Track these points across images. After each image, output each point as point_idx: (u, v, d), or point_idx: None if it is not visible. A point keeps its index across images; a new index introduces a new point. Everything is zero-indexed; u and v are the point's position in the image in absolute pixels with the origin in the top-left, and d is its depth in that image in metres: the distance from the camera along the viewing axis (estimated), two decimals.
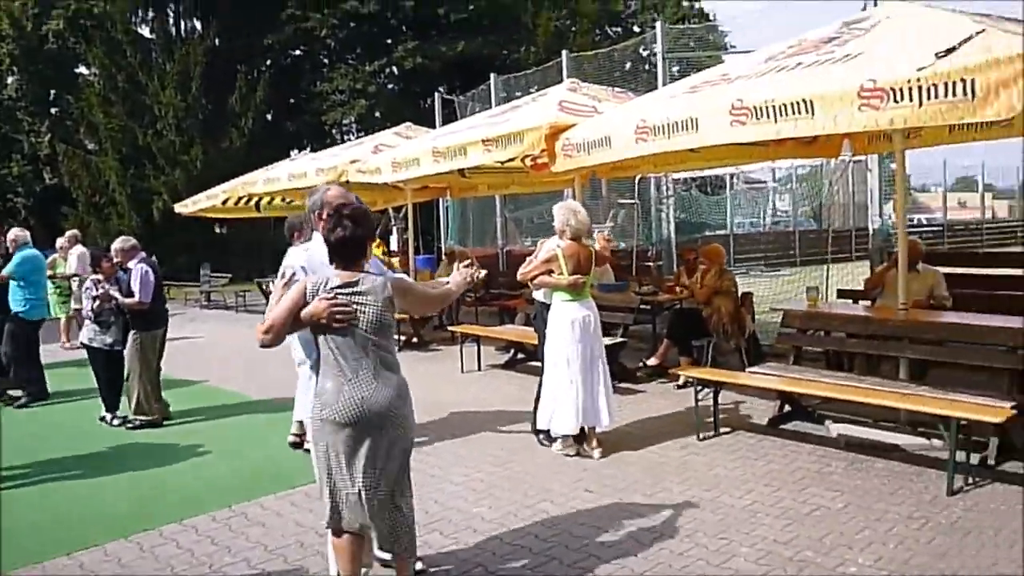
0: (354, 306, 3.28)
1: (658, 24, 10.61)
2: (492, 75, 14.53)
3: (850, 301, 7.69)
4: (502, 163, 9.25)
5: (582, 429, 5.74)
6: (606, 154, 5.79)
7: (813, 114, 4.30)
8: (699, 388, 6.09)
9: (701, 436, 5.98)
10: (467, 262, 3.77)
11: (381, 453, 3.31)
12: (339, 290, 3.30)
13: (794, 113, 4.39)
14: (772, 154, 7.80)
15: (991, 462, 5.03)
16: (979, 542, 4.03)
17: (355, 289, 3.30)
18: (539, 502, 4.85)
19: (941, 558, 3.88)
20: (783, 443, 5.78)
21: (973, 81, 3.62)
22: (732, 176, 20.95)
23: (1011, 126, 6.29)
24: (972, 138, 6.62)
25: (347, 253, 3.36)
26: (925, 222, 24.11)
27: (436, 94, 16.73)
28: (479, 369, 8.88)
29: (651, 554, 4.06)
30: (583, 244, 5.76)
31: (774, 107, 4.48)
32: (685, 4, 34.08)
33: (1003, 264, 8.28)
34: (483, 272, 3.70)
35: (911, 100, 3.85)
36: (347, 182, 9.67)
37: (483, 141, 6.88)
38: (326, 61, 28.83)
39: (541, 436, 6.02)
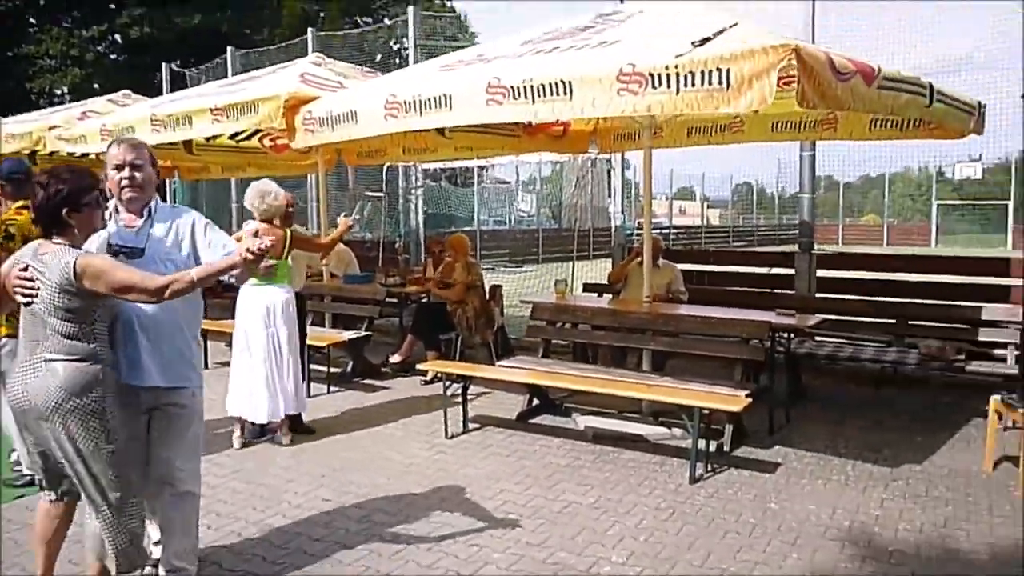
0: (37, 281, 2.84)
1: (411, 9, 10.21)
2: (229, 49, 13.38)
3: (595, 295, 7.81)
4: (237, 142, 8.42)
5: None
6: (352, 130, 5.29)
7: (571, 96, 4.12)
8: (447, 383, 5.79)
9: (450, 434, 5.68)
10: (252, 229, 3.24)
11: (55, 448, 2.92)
12: (33, 261, 2.88)
13: (552, 94, 4.19)
14: (523, 146, 7.71)
15: (726, 448, 5.21)
16: (723, 529, 4.07)
17: (41, 263, 2.86)
18: (269, 516, 4.26)
19: (689, 548, 3.85)
20: (533, 438, 5.64)
21: (728, 71, 3.59)
22: (481, 169, 21.16)
23: (741, 132, 6.70)
24: (707, 141, 6.93)
25: (39, 221, 2.99)
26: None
27: (164, 66, 15.10)
28: (206, 367, 7.94)
29: (396, 568, 3.65)
30: (275, 226, 5.44)
31: (532, 87, 4.25)
32: (436, 2, 34.11)
33: (734, 262, 8.85)
34: (267, 242, 3.02)
35: (669, 87, 3.77)
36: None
37: (212, 110, 6.08)
38: (34, 21, 25.26)
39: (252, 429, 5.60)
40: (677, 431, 5.46)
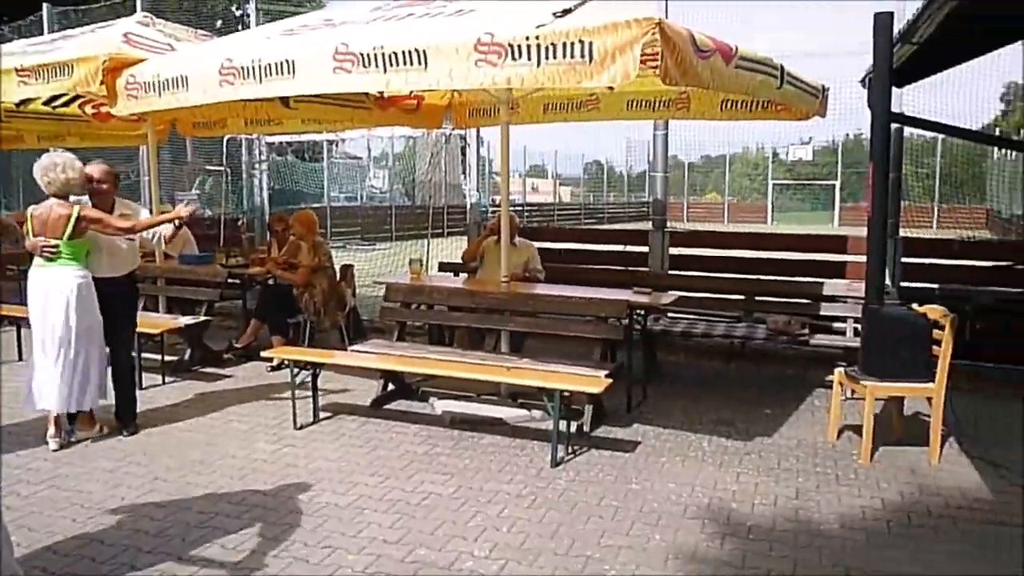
0: None
1: None
2: (45, 6, 12.11)
3: (451, 274, 7.61)
4: (53, 108, 7.60)
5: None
6: (182, 97, 4.80)
7: (426, 67, 3.88)
8: (295, 371, 5.43)
9: (299, 425, 5.34)
10: None
11: None
12: None
13: (405, 64, 3.93)
14: (375, 120, 7.35)
15: (587, 429, 5.17)
16: (586, 514, 3.99)
17: None
18: (91, 528, 3.80)
19: (553, 536, 3.74)
20: (389, 425, 5.39)
21: (591, 44, 3.46)
22: (331, 144, 20.42)
23: (597, 109, 6.65)
24: (563, 118, 6.84)
25: None
26: None
27: None
28: (20, 359, 7.15)
29: None
30: (65, 203, 4.90)
31: (383, 56, 3.97)
32: None
33: (589, 240, 8.82)
34: None
35: (530, 59, 3.61)
36: None
37: (17, 71, 5.38)
38: None
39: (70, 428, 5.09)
40: (536, 413, 5.37)
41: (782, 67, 4.59)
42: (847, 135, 30.89)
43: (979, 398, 5.81)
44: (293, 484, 4.37)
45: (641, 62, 3.37)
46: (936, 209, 17.43)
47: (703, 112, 6.20)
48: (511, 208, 6.05)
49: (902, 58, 5.12)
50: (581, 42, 3.47)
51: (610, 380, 4.78)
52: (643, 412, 5.63)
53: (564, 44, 3.51)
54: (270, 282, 7.40)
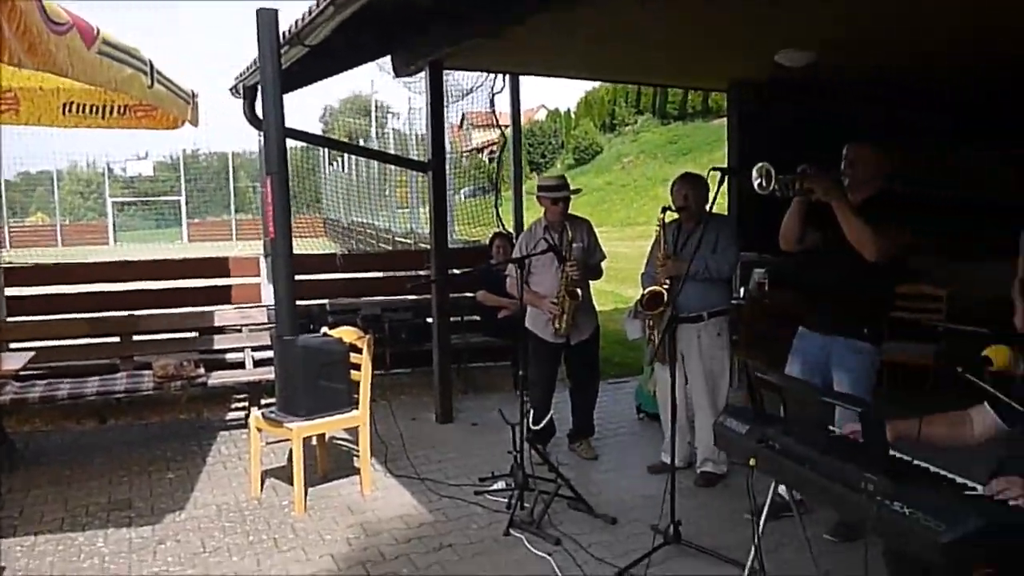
0: None
1: None
2: None
3: None
4: None
5: None
6: None
7: None
8: None
9: None
10: None
11: None
12: None
13: None
14: None
15: None
16: None
17: None
18: None
19: None
20: None
21: None
22: None
23: None
24: None
25: None
26: None
27: None
28: None
29: None
30: None
31: None
32: None
33: None
34: None
35: None
36: None
37: None
38: None
39: None
40: None
41: (151, 62, 3.72)
42: (183, 150, 30.34)
43: (384, 406, 5.74)
44: None
45: None
46: None
47: (39, 116, 4.84)
48: None
49: (290, 61, 4.68)
50: None
51: None
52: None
53: None
54: None
